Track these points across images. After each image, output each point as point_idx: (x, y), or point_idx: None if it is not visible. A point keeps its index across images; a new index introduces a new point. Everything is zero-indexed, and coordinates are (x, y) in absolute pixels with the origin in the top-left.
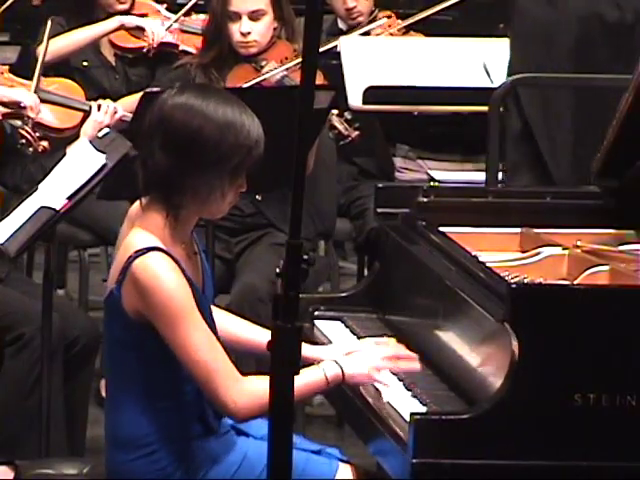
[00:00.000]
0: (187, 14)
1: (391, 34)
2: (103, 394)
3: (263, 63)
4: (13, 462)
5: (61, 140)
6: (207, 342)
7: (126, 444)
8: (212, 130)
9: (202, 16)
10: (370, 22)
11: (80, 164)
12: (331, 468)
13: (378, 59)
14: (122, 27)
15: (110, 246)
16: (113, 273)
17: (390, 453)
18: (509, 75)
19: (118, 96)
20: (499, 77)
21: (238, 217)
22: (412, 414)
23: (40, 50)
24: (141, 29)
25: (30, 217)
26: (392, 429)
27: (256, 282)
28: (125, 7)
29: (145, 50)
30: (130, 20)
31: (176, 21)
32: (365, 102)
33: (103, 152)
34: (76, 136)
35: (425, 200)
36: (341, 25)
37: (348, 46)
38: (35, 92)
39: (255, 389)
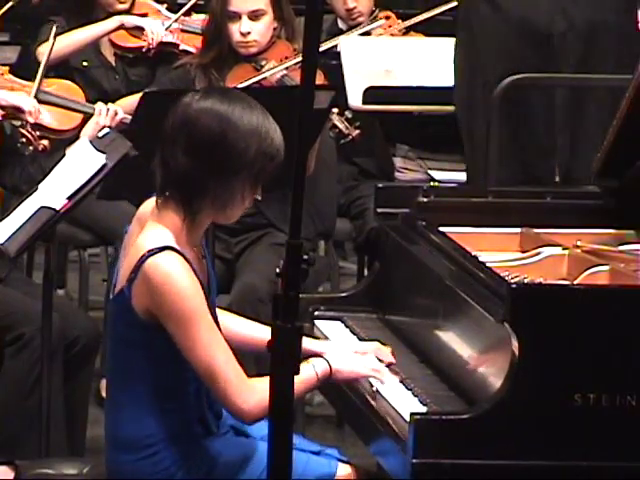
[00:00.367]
0: (187, 14)
1: (391, 34)
2: (103, 394)
3: (263, 63)
4: (13, 462)
5: (61, 141)
6: (217, 343)
7: (128, 445)
8: (237, 137)
9: (202, 16)
10: (370, 22)
11: (80, 164)
12: (331, 469)
13: (378, 59)
14: (122, 27)
15: (110, 246)
16: (124, 272)
17: (390, 453)
18: (456, 77)
19: (118, 96)
20: None
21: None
22: (412, 414)
23: (43, 53)
24: (140, 29)
25: (30, 217)
26: (392, 429)
27: (256, 282)
28: (125, 7)
29: (145, 50)
30: (130, 20)
31: (176, 21)
32: (365, 102)
33: (103, 152)
34: (76, 137)
35: (425, 200)
36: (341, 25)
37: (348, 46)
38: (36, 94)
39: (264, 390)
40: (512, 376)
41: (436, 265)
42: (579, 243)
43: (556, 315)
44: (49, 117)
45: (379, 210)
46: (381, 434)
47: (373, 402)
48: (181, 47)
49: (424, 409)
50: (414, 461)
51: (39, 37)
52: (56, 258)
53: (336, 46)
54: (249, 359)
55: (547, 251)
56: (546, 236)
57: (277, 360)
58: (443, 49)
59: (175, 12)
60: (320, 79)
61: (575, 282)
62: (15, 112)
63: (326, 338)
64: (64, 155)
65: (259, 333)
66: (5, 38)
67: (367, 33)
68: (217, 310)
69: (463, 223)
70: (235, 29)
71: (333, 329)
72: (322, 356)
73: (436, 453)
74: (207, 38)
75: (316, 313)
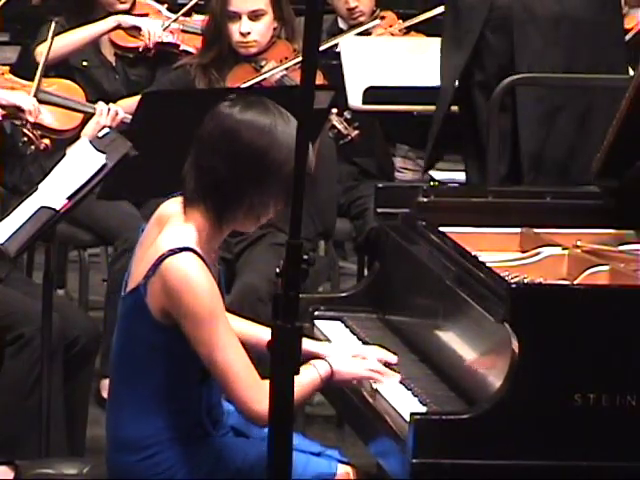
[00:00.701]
0: (188, 14)
1: (392, 34)
2: (103, 394)
3: (263, 63)
4: (13, 462)
5: (61, 141)
6: (233, 346)
7: (129, 445)
8: (277, 153)
9: (203, 16)
10: (370, 22)
11: (80, 164)
12: (330, 470)
13: (378, 59)
14: (119, 26)
15: (110, 246)
16: (140, 269)
17: (390, 453)
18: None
19: (118, 96)
20: None
21: None
22: (412, 414)
23: (41, 52)
24: (138, 29)
25: (30, 217)
26: (392, 429)
27: (256, 282)
28: (126, 7)
29: (142, 49)
30: (127, 19)
31: (174, 21)
32: (365, 102)
33: (103, 152)
34: (76, 137)
35: (425, 200)
36: (342, 25)
37: (348, 46)
38: (35, 94)
39: None
40: (512, 376)
41: (436, 265)
42: (579, 243)
43: (556, 315)
44: (49, 117)
45: (379, 210)
46: (381, 434)
47: (373, 402)
48: (181, 47)
49: (424, 409)
50: (414, 461)
51: (39, 37)
52: (56, 258)
53: (336, 46)
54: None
55: (547, 251)
56: (546, 236)
57: (277, 360)
58: None
59: (176, 12)
60: (320, 79)
61: (575, 282)
62: (15, 111)
63: (326, 338)
64: (64, 155)
65: (261, 334)
66: (5, 38)
67: (367, 33)
68: None
69: (463, 223)
70: (235, 29)
71: (333, 329)
72: (322, 358)
73: (436, 453)
74: (207, 38)
75: (316, 313)
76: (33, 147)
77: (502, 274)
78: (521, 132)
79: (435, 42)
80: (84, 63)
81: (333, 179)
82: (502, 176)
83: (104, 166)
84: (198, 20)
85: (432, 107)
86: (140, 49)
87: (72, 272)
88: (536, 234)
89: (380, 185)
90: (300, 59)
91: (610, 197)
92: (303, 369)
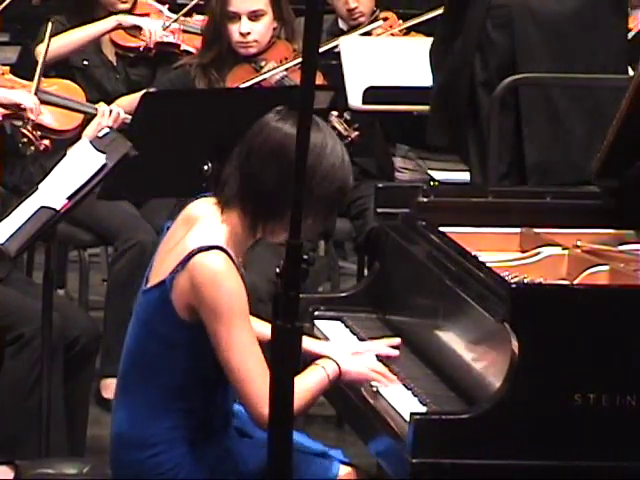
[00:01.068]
0: (188, 14)
1: (392, 34)
2: (103, 394)
3: (263, 63)
4: (13, 462)
5: (62, 141)
6: (250, 347)
7: (135, 443)
8: (323, 172)
9: (203, 16)
10: (371, 22)
11: (80, 164)
12: (333, 471)
13: (378, 59)
14: (119, 26)
15: (110, 246)
16: (167, 265)
17: (390, 453)
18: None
19: (118, 96)
20: None
21: None
22: (412, 414)
23: (40, 51)
24: (138, 28)
25: (30, 217)
26: (392, 429)
27: (256, 282)
28: (127, 7)
29: (143, 49)
30: (127, 19)
31: (175, 21)
32: (365, 102)
33: (103, 152)
34: (77, 138)
35: (425, 200)
36: (342, 25)
37: (348, 46)
38: (35, 94)
39: None
40: (512, 376)
41: (436, 265)
42: (579, 243)
43: (556, 315)
44: (50, 117)
45: (379, 210)
46: (381, 434)
47: (373, 402)
48: (182, 47)
49: (424, 409)
50: (414, 461)
51: (39, 37)
52: (56, 258)
53: (336, 46)
54: None
55: (547, 251)
56: (546, 236)
57: (277, 360)
58: None
59: (176, 13)
60: (319, 79)
61: (575, 282)
62: (17, 110)
63: (326, 338)
64: (65, 155)
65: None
66: (5, 38)
67: (367, 33)
68: None
69: (463, 223)
70: (235, 29)
71: (333, 329)
72: (328, 357)
73: (436, 453)
74: (207, 38)
75: (316, 313)
76: (33, 148)
77: (502, 274)
78: (526, 132)
79: None
80: (85, 62)
81: None
82: (502, 174)
83: (104, 166)
84: (198, 20)
85: None
86: (141, 49)
87: (72, 272)
88: (536, 234)
89: (380, 185)
90: (300, 60)
91: (610, 197)
92: (311, 370)
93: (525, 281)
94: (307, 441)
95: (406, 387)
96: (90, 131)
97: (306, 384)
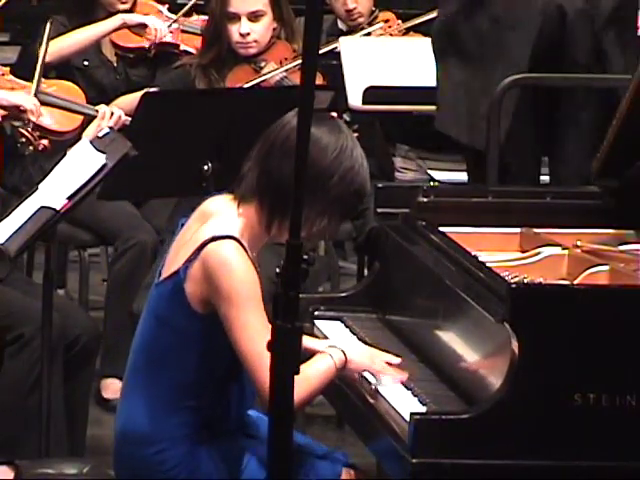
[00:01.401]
0: (188, 14)
1: (391, 35)
2: (103, 394)
3: (262, 64)
4: (13, 462)
5: (62, 143)
6: (262, 333)
7: (139, 438)
8: (342, 172)
9: (203, 16)
10: (370, 23)
11: (80, 164)
12: (334, 473)
13: (378, 59)
14: (125, 25)
15: (110, 246)
16: (181, 256)
17: (390, 453)
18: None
19: (118, 96)
20: None
21: None
22: (412, 414)
23: (40, 52)
24: (144, 26)
25: (30, 217)
26: (392, 429)
27: None
28: (126, 7)
29: (147, 47)
30: (132, 18)
31: (176, 21)
32: (365, 102)
33: (103, 152)
34: (77, 139)
35: (425, 200)
36: (341, 26)
37: (348, 46)
38: (35, 95)
39: (300, 386)
40: (512, 376)
41: (436, 265)
42: (579, 243)
43: (556, 315)
44: (49, 119)
45: (379, 210)
46: (381, 434)
47: (373, 402)
48: (181, 48)
49: (424, 409)
50: (414, 461)
51: (39, 37)
52: (56, 258)
53: (336, 47)
54: None
55: (547, 251)
56: (546, 236)
57: (277, 360)
58: None
59: (176, 13)
60: (318, 80)
61: (575, 282)
62: (17, 111)
63: (326, 338)
64: (65, 155)
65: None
66: (5, 38)
67: (367, 34)
68: None
69: (463, 223)
70: (234, 30)
71: (333, 329)
72: (334, 346)
73: (436, 453)
74: (206, 39)
75: (316, 313)
76: (31, 147)
77: (502, 274)
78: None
79: None
80: (85, 63)
81: None
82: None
83: (104, 166)
84: (198, 20)
85: (432, 107)
86: (146, 47)
87: (72, 272)
88: (536, 234)
89: (380, 185)
90: (300, 61)
91: (610, 197)
92: (318, 357)
93: (525, 281)
94: (310, 443)
95: (406, 387)
96: (90, 132)
97: (313, 371)
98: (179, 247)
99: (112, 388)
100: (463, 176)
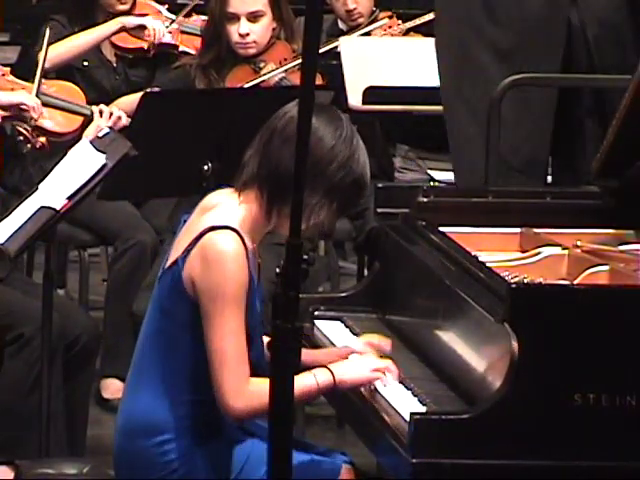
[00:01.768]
0: (187, 15)
1: (391, 34)
2: (103, 394)
3: (262, 65)
4: (13, 462)
5: (62, 143)
6: (235, 335)
7: (143, 429)
8: (341, 159)
9: (202, 17)
10: (370, 23)
11: (80, 164)
12: (334, 471)
13: (378, 59)
14: (123, 28)
15: (110, 246)
16: (180, 246)
17: (390, 453)
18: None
19: (118, 96)
20: None
21: None
22: (412, 414)
23: (39, 57)
24: (143, 27)
25: (30, 217)
26: (392, 429)
27: None
28: (126, 7)
29: (146, 48)
30: (130, 20)
31: (174, 22)
32: (365, 102)
33: (103, 152)
34: (77, 140)
35: (425, 200)
36: (341, 26)
37: (348, 46)
38: (36, 96)
39: (260, 397)
40: (512, 376)
41: (436, 265)
42: (579, 243)
43: (556, 315)
44: (49, 120)
45: (379, 210)
46: (381, 434)
47: (373, 402)
48: (181, 48)
49: (423, 409)
50: (414, 461)
51: (39, 40)
52: (56, 258)
53: (336, 47)
54: None
55: (547, 251)
56: (546, 236)
57: (277, 360)
58: None
59: (176, 13)
60: (318, 81)
61: (575, 282)
62: (19, 111)
63: (326, 338)
64: (65, 155)
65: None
66: (5, 38)
67: (367, 33)
68: None
69: (463, 223)
70: (234, 30)
71: (333, 329)
72: (325, 366)
73: (436, 453)
74: (206, 39)
75: (316, 313)
76: (29, 145)
77: (502, 274)
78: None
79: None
80: (85, 63)
81: None
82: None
83: (104, 166)
84: (197, 20)
85: (432, 107)
86: (145, 48)
87: (72, 272)
88: (536, 234)
89: (380, 185)
90: (299, 61)
91: (610, 197)
92: (301, 375)
93: (525, 281)
94: (310, 445)
95: (406, 387)
96: (90, 132)
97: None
98: (180, 240)
99: (112, 388)
100: None
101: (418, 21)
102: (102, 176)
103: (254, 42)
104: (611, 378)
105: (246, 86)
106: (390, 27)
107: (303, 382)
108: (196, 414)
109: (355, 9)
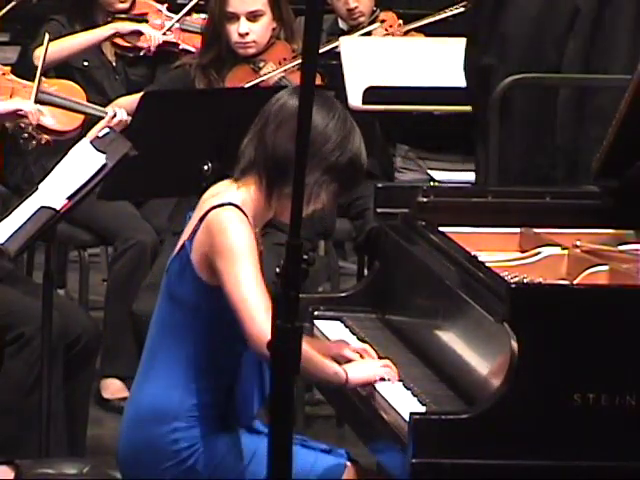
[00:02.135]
0: (188, 13)
1: (392, 34)
2: (103, 394)
3: (261, 64)
4: (13, 462)
5: (64, 142)
6: (255, 284)
7: (154, 416)
8: (337, 139)
9: (203, 15)
10: (371, 22)
11: (80, 164)
12: (339, 468)
13: (378, 59)
14: (117, 34)
15: (110, 246)
16: (187, 231)
17: (390, 453)
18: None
19: (118, 96)
20: None
21: None
22: (412, 414)
23: (38, 56)
24: (138, 33)
25: (30, 217)
26: (392, 429)
27: None
28: (125, 6)
29: (142, 53)
30: (125, 26)
31: (170, 28)
32: (365, 102)
33: (103, 152)
34: (79, 138)
35: (425, 200)
36: (342, 25)
37: (348, 46)
38: (35, 98)
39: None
40: (512, 376)
41: (436, 265)
42: (579, 243)
43: (556, 315)
44: (51, 118)
45: (379, 210)
46: (381, 434)
47: (373, 402)
48: (181, 47)
49: (423, 409)
50: (414, 461)
51: (38, 39)
52: (56, 258)
53: (336, 47)
54: None
55: (547, 251)
56: (546, 236)
57: (277, 360)
58: (443, 49)
59: (176, 12)
60: (317, 80)
61: (575, 282)
62: (17, 117)
63: (326, 338)
64: (65, 155)
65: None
66: (5, 38)
67: (367, 33)
68: None
69: (463, 223)
70: (233, 30)
71: (333, 329)
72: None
73: (435, 453)
74: (206, 39)
75: (316, 313)
76: (34, 142)
77: (502, 274)
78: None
79: (435, 42)
80: (85, 63)
81: None
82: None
83: (104, 166)
84: (198, 19)
85: (432, 107)
86: (141, 52)
87: (72, 272)
88: (536, 234)
89: (380, 185)
90: (299, 61)
91: (610, 197)
92: (334, 363)
93: (525, 281)
94: (312, 442)
95: (405, 387)
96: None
97: (317, 359)
98: (186, 230)
99: (112, 388)
100: (463, 176)
101: (418, 23)
102: (102, 176)
103: (254, 42)
104: (611, 378)
105: (246, 86)
106: (391, 26)
107: (332, 367)
108: (207, 404)
109: (356, 8)
